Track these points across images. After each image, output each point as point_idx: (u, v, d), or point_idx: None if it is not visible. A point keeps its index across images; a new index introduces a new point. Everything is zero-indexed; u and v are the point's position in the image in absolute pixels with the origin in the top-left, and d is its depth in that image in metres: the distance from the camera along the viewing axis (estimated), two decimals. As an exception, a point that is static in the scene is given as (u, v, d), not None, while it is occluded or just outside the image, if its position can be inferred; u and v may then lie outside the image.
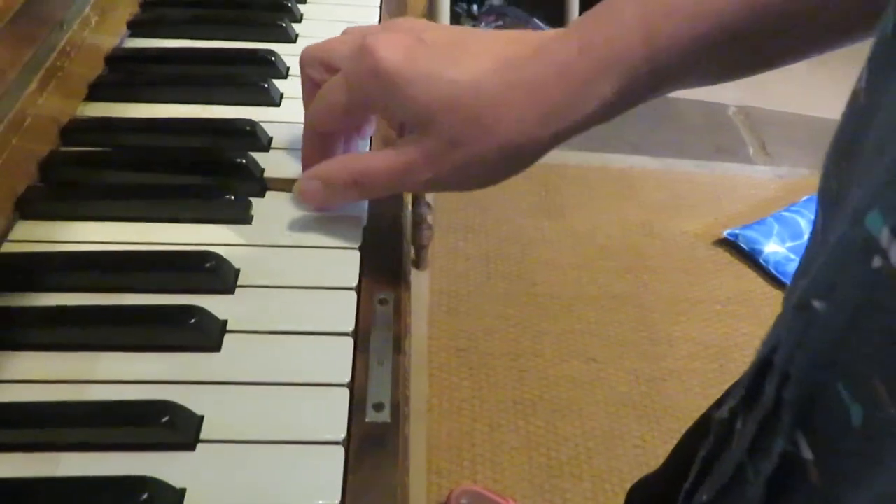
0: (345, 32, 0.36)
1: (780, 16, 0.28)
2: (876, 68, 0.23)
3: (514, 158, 0.31)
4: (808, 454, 0.23)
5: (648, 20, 0.29)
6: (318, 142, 0.35)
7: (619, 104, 0.30)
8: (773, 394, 0.24)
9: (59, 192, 0.37)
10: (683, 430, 0.51)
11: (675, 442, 0.51)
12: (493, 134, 0.30)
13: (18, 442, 0.27)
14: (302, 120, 0.43)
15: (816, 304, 0.22)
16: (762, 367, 0.25)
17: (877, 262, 0.20)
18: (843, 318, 0.21)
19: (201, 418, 0.28)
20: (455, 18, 1.71)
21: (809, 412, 0.23)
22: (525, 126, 0.30)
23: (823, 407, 0.22)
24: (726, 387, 0.47)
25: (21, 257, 0.34)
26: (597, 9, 0.31)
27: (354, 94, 0.32)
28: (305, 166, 0.36)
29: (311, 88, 0.36)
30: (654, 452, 1.08)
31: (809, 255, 0.26)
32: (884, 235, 0.19)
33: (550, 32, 0.31)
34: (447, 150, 0.31)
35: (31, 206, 0.36)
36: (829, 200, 0.25)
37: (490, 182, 0.32)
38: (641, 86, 0.30)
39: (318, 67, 0.35)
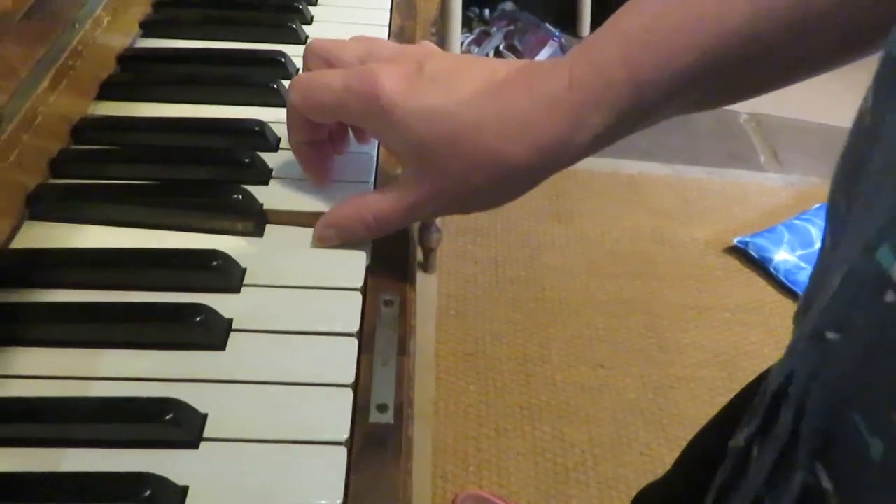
0: (354, 39, 0.37)
1: (754, 45, 0.29)
2: (881, 89, 0.23)
3: (511, 188, 0.33)
4: (828, 485, 0.23)
5: (631, 56, 0.30)
6: (303, 124, 0.35)
7: (609, 136, 0.31)
8: (789, 424, 0.24)
9: (69, 189, 0.37)
10: (690, 439, 0.51)
11: (682, 451, 0.51)
12: (489, 167, 0.31)
13: (22, 437, 0.27)
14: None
15: (830, 335, 0.22)
16: (778, 396, 0.25)
17: (890, 297, 0.20)
18: (857, 351, 0.21)
19: (205, 416, 0.28)
20: (467, 23, 1.72)
21: (828, 444, 0.23)
22: (519, 159, 0.31)
23: (842, 439, 0.22)
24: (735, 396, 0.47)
25: (29, 254, 0.34)
26: (586, 42, 0.32)
27: (344, 107, 0.33)
28: (298, 153, 0.37)
29: None
30: (661, 460, 1.07)
31: (818, 272, 0.26)
32: (895, 271, 0.19)
33: (546, 64, 0.32)
34: (445, 183, 0.32)
35: (41, 204, 0.36)
36: (838, 219, 0.25)
37: (491, 207, 0.34)
38: (630, 118, 0.31)
39: (320, 63, 0.35)
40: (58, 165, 0.38)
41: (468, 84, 0.31)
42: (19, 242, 0.34)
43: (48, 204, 0.36)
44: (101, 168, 0.38)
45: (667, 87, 0.30)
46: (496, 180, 0.32)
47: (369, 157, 0.40)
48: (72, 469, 0.26)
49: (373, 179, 0.39)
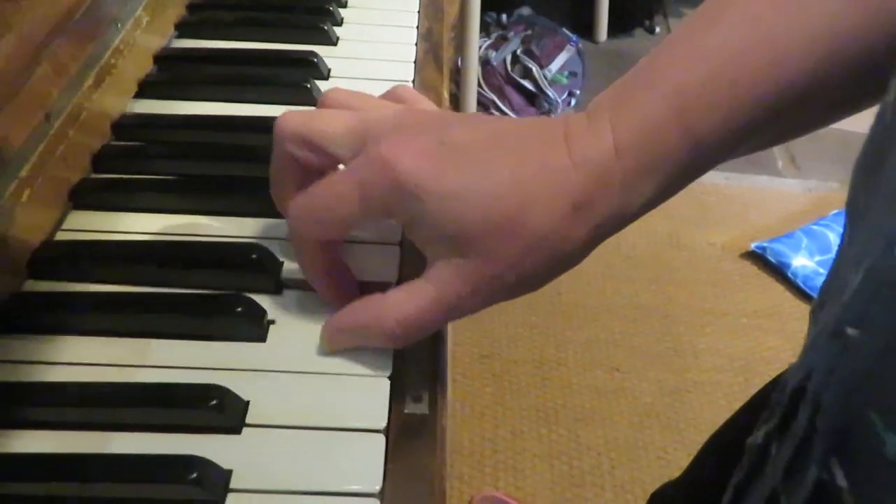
0: (328, 101, 0.32)
1: (812, 89, 0.28)
2: None
3: (561, 267, 0.29)
4: (843, 482, 0.23)
5: (685, 114, 0.27)
6: (319, 251, 0.30)
7: (659, 199, 0.29)
8: (805, 421, 0.24)
9: (110, 184, 0.38)
10: (707, 438, 0.51)
11: (697, 452, 0.51)
12: (544, 250, 0.28)
13: (72, 420, 0.28)
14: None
15: (850, 331, 0.22)
16: (797, 393, 0.25)
17: None
18: (876, 347, 0.21)
19: (247, 403, 0.28)
20: (484, 28, 1.73)
21: (844, 441, 0.23)
22: (576, 239, 0.28)
23: (858, 436, 0.22)
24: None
25: (75, 245, 0.35)
26: (623, 96, 0.28)
27: (372, 208, 0.28)
28: (319, 286, 0.31)
29: (288, 167, 0.31)
30: (677, 464, 1.07)
31: (836, 269, 0.26)
32: None
33: (581, 123, 0.28)
34: (495, 270, 0.28)
35: (85, 197, 0.37)
36: (857, 214, 0.25)
37: (538, 288, 0.30)
38: (683, 178, 0.29)
39: (303, 147, 0.30)
40: (99, 161, 0.39)
41: (502, 155, 0.28)
42: (63, 234, 0.35)
43: (91, 197, 0.37)
44: (141, 164, 0.39)
45: (725, 143, 0.28)
46: (552, 262, 0.28)
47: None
48: (120, 451, 0.27)
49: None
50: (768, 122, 0.28)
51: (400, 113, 0.30)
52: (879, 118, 0.24)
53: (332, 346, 0.30)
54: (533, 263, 0.28)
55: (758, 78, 0.27)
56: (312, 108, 0.32)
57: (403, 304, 0.28)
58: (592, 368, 1.20)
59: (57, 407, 0.28)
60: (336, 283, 0.32)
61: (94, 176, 0.39)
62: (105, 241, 0.35)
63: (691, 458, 0.51)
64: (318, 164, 0.30)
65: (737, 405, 0.44)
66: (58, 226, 0.36)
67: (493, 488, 1.03)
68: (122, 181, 0.38)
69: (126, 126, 0.41)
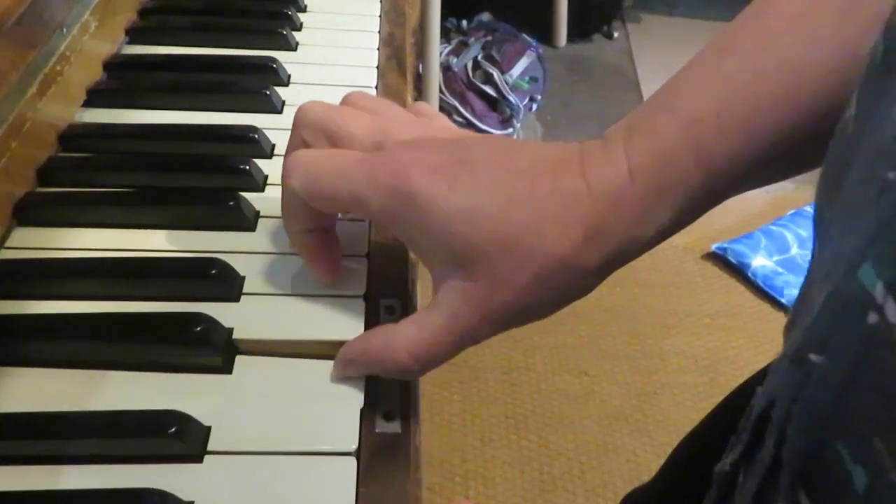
0: (351, 102, 0.32)
1: (822, 118, 0.27)
2: (864, 97, 0.23)
3: (571, 295, 0.28)
4: None
5: (700, 142, 0.27)
6: (309, 214, 0.30)
7: (675, 228, 0.28)
8: (771, 449, 0.23)
9: (58, 198, 0.36)
10: (676, 444, 0.51)
11: (668, 456, 0.51)
12: (550, 277, 0.27)
13: (19, 454, 0.26)
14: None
15: (814, 357, 0.21)
16: (761, 421, 0.25)
17: (872, 317, 0.19)
18: (840, 374, 0.20)
19: (208, 429, 0.27)
20: (445, 34, 1.72)
21: (811, 472, 0.22)
22: (581, 265, 0.27)
23: (824, 467, 0.21)
24: (716, 401, 0.47)
25: (19, 264, 0.33)
26: (639, 124, 0.28)
27: (366, 204, 0.28)
28: (298, 244, 0.31)
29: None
30: (647, 466, 1.07)
31: (807, 286, 0.25)
32: (878, 291, 0.19)
33: (596, 149, 0.28)
34: (500, 297, 0.27)
35: (30, 212, 0.35)
36: (823, 230, 0.24)
37: (543, 318, 0.29)
38: (698, 206, 0.28)
39: (320, 136, 0.30)
40: (46, 173, 0.37)
41: (515, 177, 0.27)
42: (7, 252, 0.33)
43: (36, 212, 0.35)
44: (89, 176, 0.37)
45: (739, 171, 0.27)
46: (563, 291, 0.27)
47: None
48: (72, 487, 0.25)
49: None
50: (784, 150, 0.27)
51: (421, 126, 0.30)
52: (839, 133, 0.24)
53: (344, 375, 0.29)
54: (542, 291, 0.27)
55: (773, 106, 0.27)
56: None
57: (415, 336, 0.28)
58: (561, 373, 1.20)
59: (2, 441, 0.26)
60: (313, 247, 0.31)
61: (39, 190, 0.36)
62: (52, 259, 0.33)
63: (661, 459, 0.51)
64: None
65: (703, 405, 0.44)
66: (1, 243, 0.33)
67: (463, 497, 1.02)
68: (70, 195, 0.36)
69: (74, 136, 0.39)
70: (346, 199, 0.28)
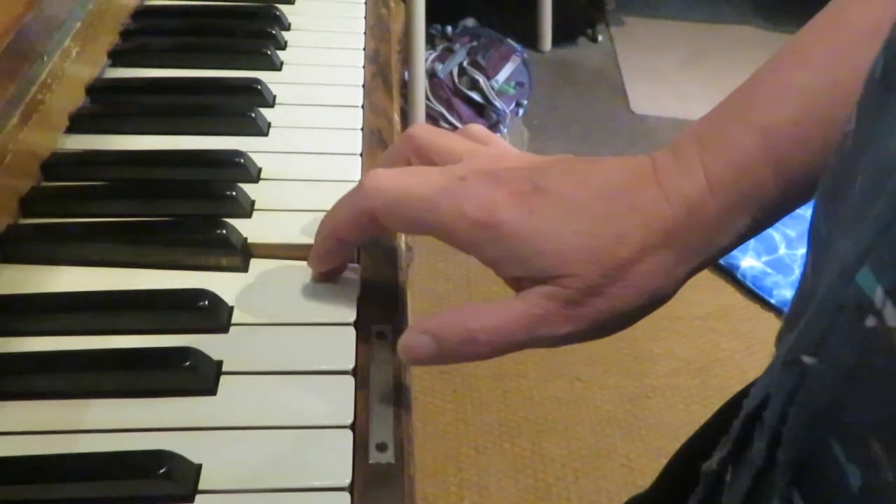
0: (457, 137, 0.33)
1: None
2: (864, 111, 0.23)
3: (655, 304, 0.29)
4: None
5: (777, 152, 0.28)
6: (367, 230, 0.31)
7: (752, 233, 0.29)
8: (763, 450, 0.23)
9: (42, 230, 0.36)
10: (669, 447, 0.51)
11: (661, 459, 0.51)
12: (635, 282, 0.28)
13: (2, 500, 0.25)
14: (290, 149, 0.43)
15: (806, 359, 0.21)
16: (750, 420, 0.25)
17: (870, 321, 0.19)
18: (836, 376, 0.21)
19: (199, 467, 0.26)
20: (430, 40, 1.72)
21: (805, 472, 0.22)
22: (665, 270, 0.28)
23: (819, 467, 0.21)
24: (708, 403, 0.47)
25: (2, 299, 0.32)
26: (711, 134, 0.29)
27: (446, 233, 0.29)
28: (328, 246, 0.32)
29: (366, 226, 0.31)
30: (640, 471, 1.07)
31: (800, 298, 0.26)
32: (877, 296, 0.19)
33: (668, 161, 0.29)
34: (586, 301, 0.28)
35: (12, 247, 0.34)
36: (820, 244, 0.25)
37: (624, 328, 0.29)
38: (775, 213, 0.29)
39: (410, 153, 0.32)
40: (29, 204, 0.36)
41: (594, 196, 0.28)
42: (-10, 288, 0.33)
43: (20, 246, 0.34)
44: (73, 206, 0.37)
45: (814, 180, 0.28)
46: (645, 297, 0.28)
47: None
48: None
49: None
50: None
51: (492, 158, 0.31)
52: (841, 146, 0.24)
53: (409, 353, 0.29)
54: (626, 296, 0.28)
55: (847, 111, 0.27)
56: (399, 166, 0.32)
57: (489, 312, 0.28)
58: (553, 379, 1.20)
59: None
60: (340, 252, 0.32)
61: (22, 222, 0.36)
62: (37, 294, 0.32)
63: (654, 463, 0.51)
64: None
65: (695, 408, 0.44)
66: (-17, 278, 0.33)
67: (459, 507, 1.02)
68: (54, 226, 0.36)
69: (57, 165, 0.39)
70: (431, 228, 0.29)
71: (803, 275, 0.26)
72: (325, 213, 0.32)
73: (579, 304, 0.28)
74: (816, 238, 0.25)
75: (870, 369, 0.19)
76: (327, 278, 0.34)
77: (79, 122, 0.42)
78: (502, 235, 0.28)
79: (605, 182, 0.29)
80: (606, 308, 0.28)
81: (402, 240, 0.39)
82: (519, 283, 0.29)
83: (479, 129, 0.33)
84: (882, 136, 0.21)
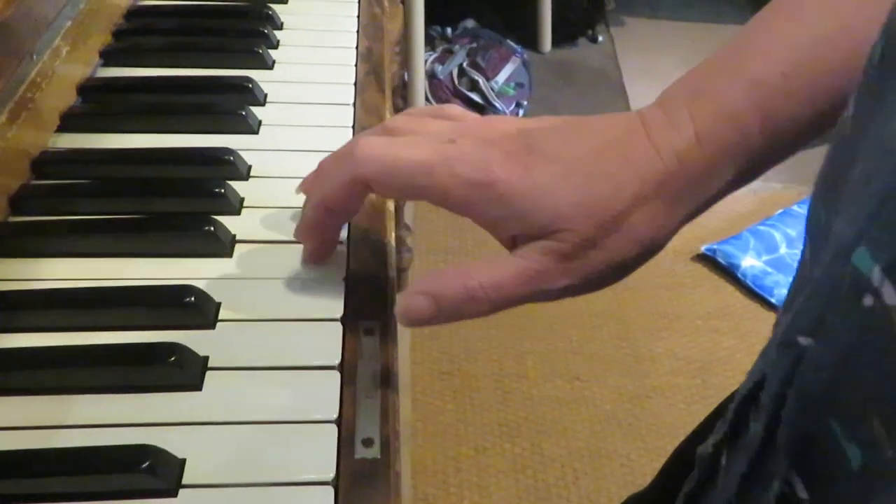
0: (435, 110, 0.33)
1: None
2: (862, 97, 0.23)
3: (649, 253, 0.30)
4: (804, 494, 0.22)
5: (765, 104, 0.28)
6: (358, 197, 0.31)
7: (738, 184, 0.30)
8: (760, 432, 0.23)
9: (31, 227, 0.36)
10: (669, 447, 0.51)
11: (661, 459, 0.51)
12: (629, 234, 0.28)
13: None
14: (281, 147, 0.43)
15: (803, 340, 0.21)
16: (745, 402, 0.25)
17: (868, 300, 0.19)
18: (834, 356, 0.21)
19: (183, 461, 0.26)
20: (429, 41, 1.72)
21: (805, 452, 0.22)
22: (657, 221, 0.29)
23: (818, 447, 0.21)
24: (709, 402, 0.47)
25: (-9, 296, 0.32)
26: (699, 87, 0.29)
27: (443, 197, 0.29)
28: (316, 218, 0.32)
29: (356, 193, 0.31)
30: (640, 470, 1.07)
31: (797, 288, 0.26)
32: (875, 275, 0.19)
33: (657, 116, 0.29)
34: (583, 253, 0.28)
35: (2, 243, 0.34)
36: (817, 232, 0.25)
37: (619, 279, 0.30)
38: (761, 164, 0.30)
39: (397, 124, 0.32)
40: (18, 202, 0.36)
41: (587, 152, 0.29)
42: (-21, 285, 0.33)
43: (8, 243, 0.34)
44: (63, 204, 0.37)
45: (802, 131, 0.29)
46: (640, 247, 0.29)
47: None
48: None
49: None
50: (839, 113, 0.28)
51: (481, 123, 0.31)
52: (839, 132, 0.24)
53: (406, 314, 0.30)
54: (621, 247, 0.28)
55: (837, 68, 0.28)
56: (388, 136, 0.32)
57: (487, 269, 0.29)
58: (553, 379, 1.20)
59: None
60: (329, 224, 0.32)
61: (12, 219, 0.36)
62: (24, 291, 0.32)
63: (654, 463, 0.51)
64: None
65: (695, 408, 0.44)
66: (-28, 275, 0.33)
67: (458, 508, 1.01)
68: (43, 223, 0.36)
69: (47, 163, 0.39)
70: (425, 191, 0.29)
71: (801, 262, 0.26)
72: None
73: (576, 258, 0.28)
74: (815, 224, 0.25)
75: (868, 348, 0.20)
76: (317, 257, 0.34)
77: (69, 121, 0.42)
78: (499, 194, 0.28)
79: (597, 139, 0.29)
80: (602, 260, 0.29)
81: (393, 237, 0.39)
82: (515, 242, 0.29)
83: (456, 108, 0.34)
84: (881, 121, 0.21)
